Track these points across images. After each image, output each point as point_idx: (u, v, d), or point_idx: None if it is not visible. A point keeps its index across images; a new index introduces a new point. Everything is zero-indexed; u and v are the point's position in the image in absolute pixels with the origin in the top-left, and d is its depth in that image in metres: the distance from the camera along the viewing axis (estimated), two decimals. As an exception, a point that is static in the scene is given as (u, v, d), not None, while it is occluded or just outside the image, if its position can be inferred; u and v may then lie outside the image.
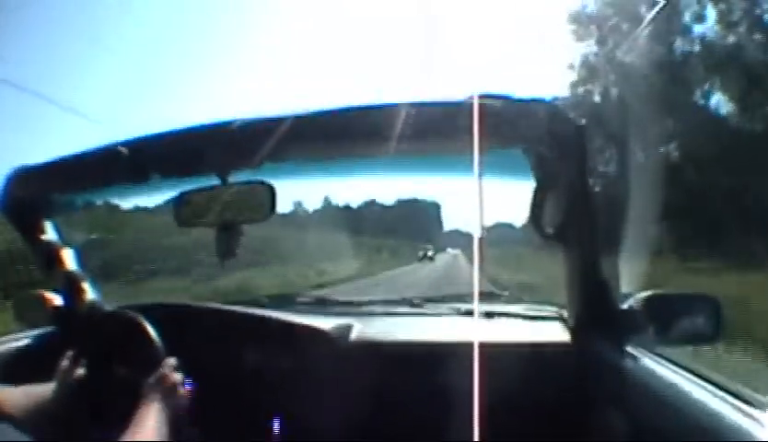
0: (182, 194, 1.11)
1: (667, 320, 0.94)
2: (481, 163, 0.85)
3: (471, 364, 0.97)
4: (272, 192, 1.05)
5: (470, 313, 1.37)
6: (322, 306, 1.54)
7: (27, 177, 1.12)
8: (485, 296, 1.69)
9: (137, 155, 1.01)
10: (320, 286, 9.59)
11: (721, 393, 0.76)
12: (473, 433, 0.84)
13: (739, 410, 0.71)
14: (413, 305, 1.48)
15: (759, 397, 0.73)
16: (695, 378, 0.83)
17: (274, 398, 1.17)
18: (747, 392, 0.75)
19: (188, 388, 1.02)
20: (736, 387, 0.78)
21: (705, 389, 0.78)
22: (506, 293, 2.17)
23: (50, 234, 1.28)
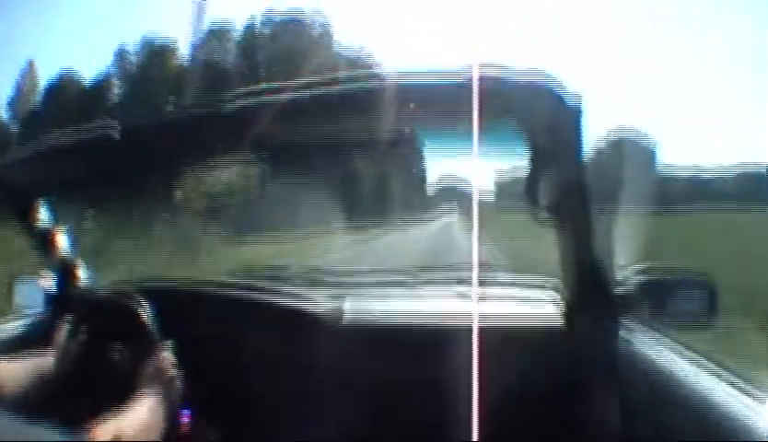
0: (175, 172, 1.10)
1: (662, 299, 0.94)
2: (480, 139, 0.84)
3: (461, 341, 0.98)
4: (264, 169, 1.05)
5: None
6: (314, 280, 1.54)
7: (17, 160, 1.10)
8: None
9: (129, 134, 0.99)
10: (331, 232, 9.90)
11: (714, 370, 0.76)
12: (467, 409, 0.85)
13: (733, 387, 0.71)
14: (405, 279, 1.48)
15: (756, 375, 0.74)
16: (690, 356, 0.83)
17: (267, 377, 1.18)
18: (741, 370, 0.76)
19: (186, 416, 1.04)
20: (730, 365, 0.78)
21: (700, 366, 0.79)
22: (501, 265, 2.17)
23: (42, 217, 1.27)
